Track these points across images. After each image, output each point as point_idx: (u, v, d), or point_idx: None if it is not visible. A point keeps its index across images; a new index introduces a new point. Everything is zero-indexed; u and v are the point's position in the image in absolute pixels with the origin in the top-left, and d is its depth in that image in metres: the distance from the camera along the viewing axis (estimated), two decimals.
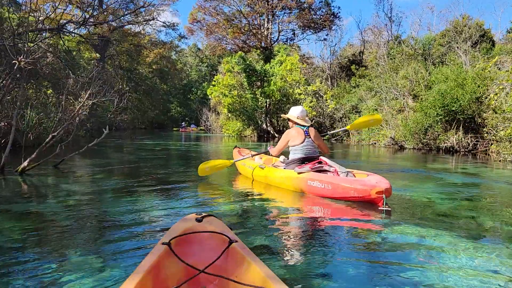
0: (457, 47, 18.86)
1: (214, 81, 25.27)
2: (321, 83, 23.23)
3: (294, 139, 4.93)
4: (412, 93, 16.59)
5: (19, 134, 10.49)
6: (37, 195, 4.63)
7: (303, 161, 4.88)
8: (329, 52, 28.02)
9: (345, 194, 4.15)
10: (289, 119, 5.26)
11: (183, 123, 42.47)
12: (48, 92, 15.03)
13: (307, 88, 22.51)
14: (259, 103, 24.45)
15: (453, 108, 12.94)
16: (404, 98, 16.90)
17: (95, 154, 10.40)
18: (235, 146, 6.99)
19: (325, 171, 4.61)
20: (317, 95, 22.87)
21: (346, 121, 21.59)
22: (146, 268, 1.58)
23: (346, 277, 2.21)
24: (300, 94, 22.64)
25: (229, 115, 26.48)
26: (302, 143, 4.90)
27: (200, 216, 2.06)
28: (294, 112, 5.12)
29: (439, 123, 13.53)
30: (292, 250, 2.71)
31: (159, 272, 1.68)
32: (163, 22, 44.42)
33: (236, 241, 1.88)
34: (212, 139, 23.69)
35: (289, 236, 3.07)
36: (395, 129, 15.91)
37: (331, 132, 6.79)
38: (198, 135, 29.72)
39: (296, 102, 23.51)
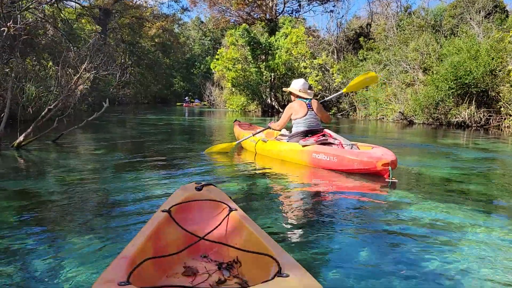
0: (470, 18, 18.16)
1: (218, 54, 24.65)
2: (327, 56, 22.55)
3: (297, 112, 4.90)
4: (422, 66, 16.04)
5: (18, 108, 10.21)
6: (33, 171, 4.38)
7: (306, 134, 4.86)
8: (336, 25, 27.23)
9: (351, 167, 4.14)
10: (291, 93, 5.22)
11: (186, 98, 41.95)
12: (48, 64, 14.62)
13: (313, 61, 21.89)
14: (264, 77, 23.91)
15: (466, 81, 12.47)
16: (414, 71, 16.37)
17: (96, 128, 10.13)
18: (235, 120, 6.95)
19: (329, 143, 4.61)
20: (323, 69, 22.28)
21: (353, 95, 21.12)
22: (147, 234, 1.58)
23: (345, 247, 2.19)
24: (305, 67, 22.06)
25: (233, 90, 25.98)
26: (305, 115, 4.87)
27: (199, 185, 2.08)
28: (296, 85, 5.09)
29: (450, 97, 13.10)
30: (293, 220, 2.68)
31: (159, 238, 1.67)
32: None
33: (236, 209, 1.88)
34: (215, 114, 23.33)
35: (291, 207, 3.02)
36: (404, 103, 15.48)
37: (327, 98, 6.59)
38: (201, 110, 29.34)
39: (302, 76, 22.97)
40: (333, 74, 21.76)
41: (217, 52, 25.06)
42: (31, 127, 5.47)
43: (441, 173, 4.56)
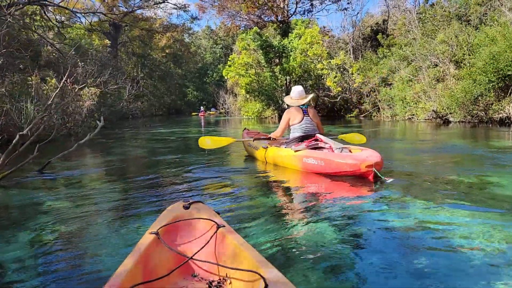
0: (500, 4, 16.67)
1: (229, 60, 23.66)
2: (345, 56, 21.23)
3: (294, 118, 5.03)
4: (453, 59, 14.65)
5: (16, 130, 9.35)
6: (4, 215, 3.36)
7: (302, 139, 4.97)
8: (351, 23, 25.96)
9: (338, 169, 4.22)
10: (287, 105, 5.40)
11: (201, 107, 41.30)
12: (52, 81, 13.79)
13: (330, 62, 20.65)
14: (279, 81, 22.78)
15: (509, 73, 11.09)
16: (444, 65, 14.97)
17: (96, 148, 9.15)
18: (244, 129, 7.07)
19: (320, 148, 4.73)
20: (341, 69, 20.99)
21: (375, 95, 19.78)
22: (135, 258, 1.57)
23: (337, 255, 2.17)
24: (322, 69, 20.85)
25: (247, 96, 24.93)
26: (301, 121, 5.00)
27: (187, 203, 2.08)
28: (291, 94, 5.25)
29: (491, 91, 11.71)
30: (282, 232, 2.61)
31: (148, 262, 1.67)
32: (174, 4, 43.08)
33: (224, 226, 1.87)
34: (230, 122, 22.26)
35: (280, 218, 2.97)
36: (436, 100, 14.10)
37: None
38: (217, 119, 28.30)
39: (319, 78, 21.76)
40: (352, 74, 20.45)
41: (229, 58, 24.08)
42: (1, 159, 4.44)
43: (487, 180, 4.01)
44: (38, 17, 16.02)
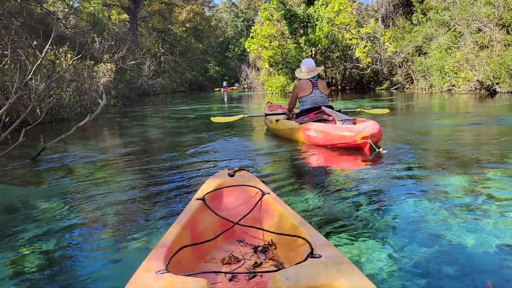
0: None
1: (252, 32, 22.55)
2: (375, 23, 19.72)
3: (303, 91, 5.04)
4: (500, 22, 13.15)
5: (24, 109, 8.83)
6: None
7: (311, 111, 4.96)
8: None
9: (335, 141, 4.29)
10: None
11: (224, 83, 40.48)
12: (68, 57, 13.18)
13: (359, 30, 19.24)
14: (304, 53, 21.57)
15: None
16: (490, 30, 13.49)
17: (107, 128, 8.53)
18: (268, 102, 7.16)
19: (324, 120, 4.76)
20: (371, 38, 19.56)
21: (408, 66, 18.38)
22: (183, 222, 1.61)
23: (378, 225, 2.17)
24: (351, 38, 19.51)
25: (271, 70, 23.85)
26: (310, 94, 4.99)
27: (232, 170, 2.11)
28: (301, 67, 5.21)
29: None
30: (325, 201, 2.61)
31: (195, 226, 1.71)
32: None
33: (268, 193, 1.91)
34: (253, 97, 21.34)
35: (323, 187, 2.95)
36: (481, 69, 12.75)
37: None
38: (240, 94, 27.39)
39: (347, 49, 20.44)
40: (384, 43, 19.03)
41: (251, 30, 22.96)
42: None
43: None
44: None
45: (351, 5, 20.16)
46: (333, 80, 24.32)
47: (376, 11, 23.48)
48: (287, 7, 20.86)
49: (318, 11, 20.44)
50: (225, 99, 20.20)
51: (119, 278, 1.65)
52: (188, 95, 30.05)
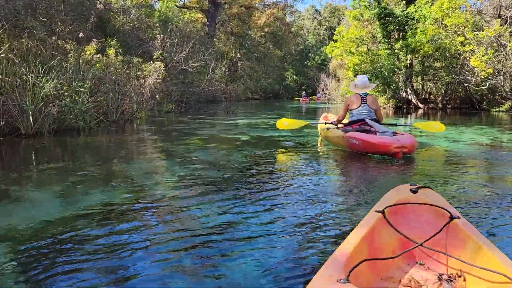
0: None
1: (336, 35, 19.27)
2: (501, 25, 15.20)
3: (352, 104, 5.48)
4: None
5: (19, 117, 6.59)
6: None
7: (356, 123, 5.40)
8: None
9: (370, 149, 4.83)
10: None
11: (304, 93, 38.07)
12: (110, 52, 11.12)
13: (477, 34, 14.98)
14: (398, 62, 17.77)
15: None
16: None
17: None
18: (324, 113, 7.50)
19: (366, 131, 5.19)
20: (493, 45, 15.14)
21: None
22: (362, 235, 1.57)
23: None
24: (464, 44, 15.32)
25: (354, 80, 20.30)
26: (358, 107, 5.42)
27: (415, 187, 1.98)
28: (356, 81, 5.68)
29: None
30: None
31: (373, 240, 1.64)
32: None
33: (458, 217, 1.74)
34: (331, 110, 17.98)
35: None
36: None
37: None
38: (316, 106, 24.07)
39: (458, 58, 16.21)
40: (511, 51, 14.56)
41: (335, 32, 19.68)
42: None
43: None
44: None
45: (465, 2, 15.95)
46: (431, 96, 20.05)
47: (503, 8, 18.68)
48: (382, 4, 17.26)
49: (421, 10, 16.56)
50: (304, 111, 17.14)
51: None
52: (263, 104, 27.41)
